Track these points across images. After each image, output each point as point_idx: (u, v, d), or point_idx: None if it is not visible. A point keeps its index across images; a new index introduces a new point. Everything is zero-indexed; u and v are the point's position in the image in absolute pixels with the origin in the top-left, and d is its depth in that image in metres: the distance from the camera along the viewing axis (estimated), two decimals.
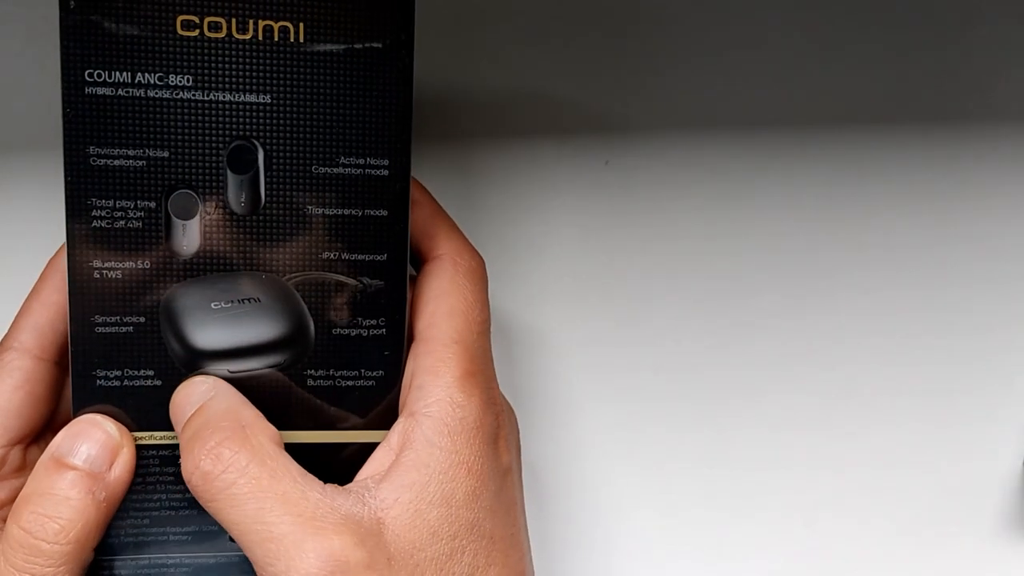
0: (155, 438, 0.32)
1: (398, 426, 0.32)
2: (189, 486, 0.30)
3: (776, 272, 0.40)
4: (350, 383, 0.33)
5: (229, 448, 0.29)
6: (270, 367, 0.32)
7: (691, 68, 0.38)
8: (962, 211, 0.40)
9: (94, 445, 0.31)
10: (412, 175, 0.35)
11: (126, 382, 0.32)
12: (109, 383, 0.32)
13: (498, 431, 0.32)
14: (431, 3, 0.38)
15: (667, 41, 0.38)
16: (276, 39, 0.31)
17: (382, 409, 0.33)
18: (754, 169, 0.40)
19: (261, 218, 0.32)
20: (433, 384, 0.31)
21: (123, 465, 0.31)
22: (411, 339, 0.33)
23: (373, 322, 0.33)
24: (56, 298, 0.32)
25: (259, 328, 0.32)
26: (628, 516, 0.42)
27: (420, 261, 0.35)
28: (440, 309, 0.32)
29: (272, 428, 0.31)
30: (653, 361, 0.41)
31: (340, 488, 0.30)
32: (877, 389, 0.42)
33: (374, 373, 0.33)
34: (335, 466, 0.33)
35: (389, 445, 0.32)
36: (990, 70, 0.39)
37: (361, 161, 0.32)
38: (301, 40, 0.31)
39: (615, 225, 0.39)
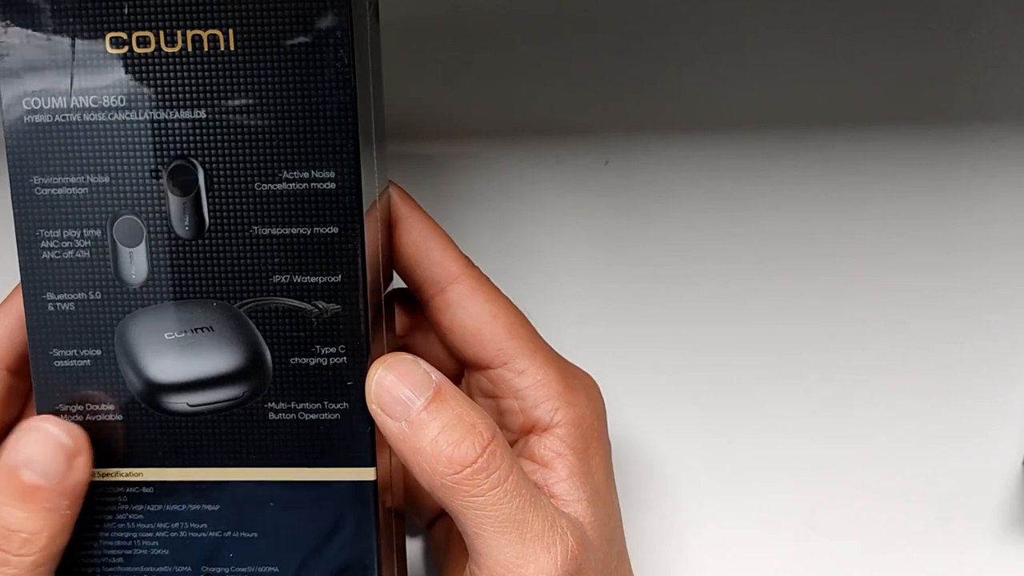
0: (121, 475, 0.31)
1: (537, 444, 0.33)
2: (451, 480, 0.29)
3: (776, 272, 0.40)
4: (313, 416, 0.30)
5: (500, 446, 0.30)
6: (230, 400, 0.30)
7: (691, 68, 0.37)
8: (962, 211, 0.39)
9: (46, 454, 0.30)
10: (396, 185, 0.32)
11: (88, 417, 0.31)
12: (72, 419, 0.31)
13: (603, 408, 0.34)
14: (433, 2, 0.37)
15: (667, 41, 0.38)
16: (206, 49, 0.29)
17: (350, 445, 0.30)
18: (754, 169, 0.39)
19: (207, 242, 0.30)
20: (545, 397, 0.33)
21: (81, 469, 0.30)
22: (471, 364, 0.34)
23: (332, 350, 0.30)
24: (18, 308, 0.31)
25: (215, 359, 0.30)
26: (629, 519, 0.40)
27: (428, 288, 0.33)
28: (499, 330, 0.33)
29: None
30: (653, 361, 0.41)
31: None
32: (876, 389, 0.41)
33: (338, 406, 0.30)
34: (309, 503, 0.31)
35: (533, 462, 0.32)
36: (990, 70, 0.38)
37: (305, 175, 0.29)
38: (232, 48, 0.29)
39: (615, 225, 0.38)
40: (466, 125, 0.37)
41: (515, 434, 0.33)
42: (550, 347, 0.34)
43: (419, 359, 0.30)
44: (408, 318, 0.35)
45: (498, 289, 0.33)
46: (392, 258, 0.33)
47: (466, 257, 0.33)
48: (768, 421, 0.41)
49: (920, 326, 0.40)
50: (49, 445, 0.30)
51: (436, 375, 0.30)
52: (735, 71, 0.38)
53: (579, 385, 0.34)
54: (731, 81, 0.38)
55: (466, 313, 0.33)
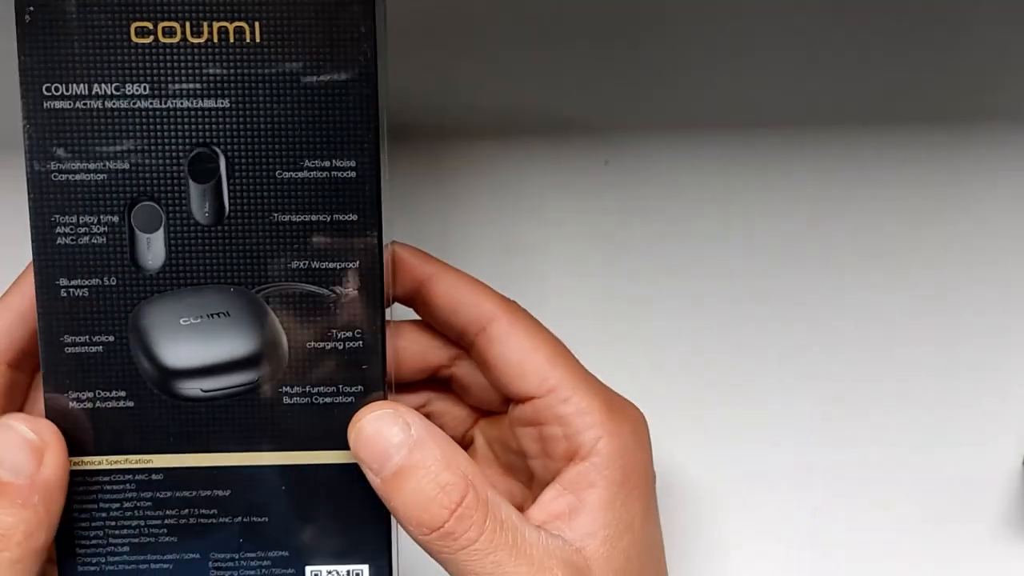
0: (130, 462, 0.31)
1: (571, 470, 0.32)
2: (423, 539, 0.30)
3: (775, 272, 0.40)
4: (328, 400, 0.31)
5: (468, 508, 0.30)
6: (244, 385, 0.31)
7: (691, 68, 0.38)
8: (962, 211, 0.39)
9: (14, 452, 0.29)
10: (405, 245, 0.33)
11: (99, 404, 0.31)
12: (82, 405, 0.31)
13: (648, 439, 0.34)
14: (436, 2, 0.37)
15: (667, 41, 0.38)
16: (232, 41, 0.30)
17: None
18: (754, 169, 0.39)
19: (226, 228, 0.30)
20: (589, 425, 0.32)
21: (52, 465, 0.30)
22: (516, 397, 0.34)
23: (348, 335, 0.31)
24: (17, 301, 0.31)
25: (231, 344, 0.31)
26: None
27: (469, 331, 0.34)
28: (541, 361, 0.33)
29: (479, 468, 0.31)
30: (653, 362, 0.41)
31: (542, 529, 0.31)
32: (876, 389, 0.41)
33: (353, 389, 0.31)
34: (321, 487, 0.31)
35: (562, 486, 0.32)
36: (990, 70, 0.38)
37: (326, 163, 0.30)
38: (258, 40, 0.30)
39: (615, 225, 0.38)
40: (466, 125, 0.37)
41: (559, 462, 0.33)
42: (595, 377, 0.34)
43: (400, 409, 0.31)
44: (453, 350, 0.36)
45: (538, 322, 0.34)
46: (427, 315, 0.34)
47: (502, 296, 0.34)
48: (767, 422, 0.41)
49: (920, 326, 0.40)
50: (15, 442, 0.30)
51: (416, 427, 0.30)
52: (735, 71, 0.38)
53: (624, 416, 0.33)
54: (731, 81, 0.38)
55: (507, 347, 0.33)
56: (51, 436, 0.30)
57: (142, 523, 0.31)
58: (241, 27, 0.30)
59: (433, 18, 0.37)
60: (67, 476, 0.30)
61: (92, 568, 0.31)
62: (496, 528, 0.30)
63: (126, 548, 0.31)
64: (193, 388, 0.31)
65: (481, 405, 0.36)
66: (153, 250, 0.30)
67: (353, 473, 0.31)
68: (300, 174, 0.30)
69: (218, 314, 0.31)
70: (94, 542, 0.31)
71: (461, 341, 0.34)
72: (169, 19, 0.29)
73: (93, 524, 0.31)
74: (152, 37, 0.29)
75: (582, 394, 0.33)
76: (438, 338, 0.35)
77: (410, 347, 0.35)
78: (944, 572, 0.42)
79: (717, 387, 0.41)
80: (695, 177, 0.39)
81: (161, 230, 0.30)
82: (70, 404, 0.31)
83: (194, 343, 0.31)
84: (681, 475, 0.42)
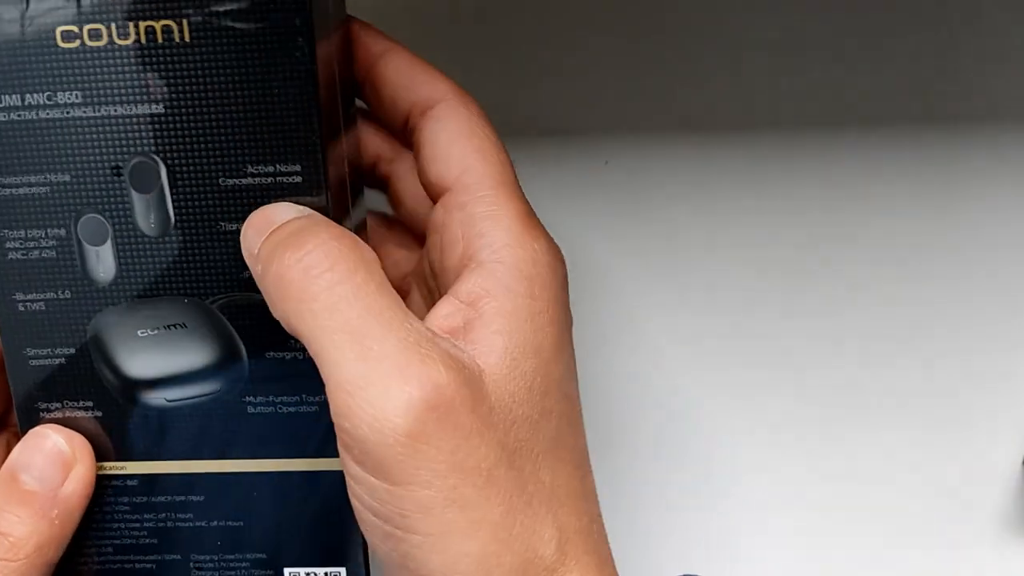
0: (104, 468, 0.31)
1: (467, 278, 0.28)
2: (274, 288, 0.26)
3: (775, 272, 0.39)
4: (291, 409, 0.30)
5: (332, 250, 0.26)
6: (207, 395, 0.30)
7: (691, 68, 0.37)
8: (962, 211, 0.38)
9: (46, 461, 0.30)
10: (360, 21, 0.31)
11: (67, 414, 0.31)
12: (51, 415, 0.31)
13: (566, 276, 0.29)
14: (433, 1, 0.37)
15: (667, 41, 0.37)
16: (160, 40, 0.28)
17: (329, 437, 0.30)
18: (754, 169, 0.38)
19: (174, 238, 0.29)
20: (496, 229, 0.28)
21: (77, 481, 0.30)
22: (435, 188, 0.29)
23: None
24: None
25: (191, 354, 0.30)
26: (627, 512, 0.42)
27: (416, 110, 0.30)
28: (468, 152, 0.29)
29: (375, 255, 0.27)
30: (650, 362, 0.40)
31: (430, 330, 0.27)
32: (876, 389, 0.40)
33: (315, 398, 0.30)
34: (292, 493, 0.31)
35: (456, 298, 0.28)
36: (990, 70, 0.37)
37: (270, 168, 0.28)
38: (187, 39, 0.28)
39: (615, 225, 0.38)
40: None
41: (452, 273, 0.29)
42: (524, 196, 0.29)
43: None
44: (396, 144, 0.33)
45: (487, 120, 0.30)
46: (377, 98, 0.31)
47: (458, 86, 0.30)
48: (767, 421, 0.41)
49: (920, 326, 0.39)
50: (48, 451, 0.30)
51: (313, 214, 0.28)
52: (735, 71, 0.37)
53: (541, 235, 0.28)
54: (730, 81, 0.37)
55: (443, 127, 0.29)
56: (83, 452, 0.30)
57: (122, 526, 0.32)
58: (169, 26, 0.27)
59: (432, 17, 0.36)
60: (90, 495, 0.31)
61: (79, 568, 0.32)
62: (368, 285, 0.26)
63: (109, 550, 0.32)
64: (157, 398, 0.30)
65: (414, 223, 0.33)
66: (103, 262, 0.29)
67: (325, 480, 0.31)
68: (244, 180, 0.28)
69: (175, 325, 0.30)
70: (80, 544, 0.32)
71: (406, 123, 0.31)
72: (94, 21, 0.28)
73: (77, 528, 0.32)
74: (78, 41, 0.28)
75: (501, 198, 0.28)
76: (383, 132, 0.33)
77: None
78: (944, 572, 0.42)
79: (715, 389, 0.40)
80: (695, 177, 0.38)
81: (109, 242, 0.29)
82: (40, 415, 0.31)
83: (155, 355, 0.30)
84: (677, 478, 0.41)
